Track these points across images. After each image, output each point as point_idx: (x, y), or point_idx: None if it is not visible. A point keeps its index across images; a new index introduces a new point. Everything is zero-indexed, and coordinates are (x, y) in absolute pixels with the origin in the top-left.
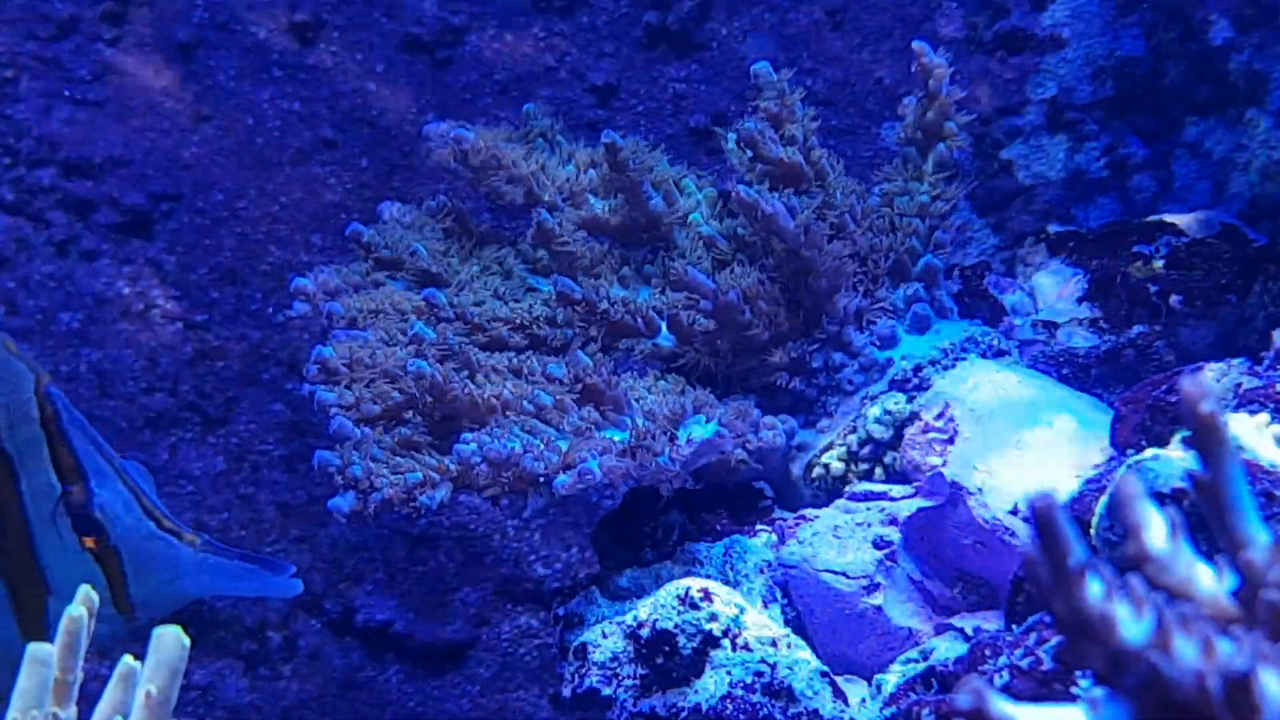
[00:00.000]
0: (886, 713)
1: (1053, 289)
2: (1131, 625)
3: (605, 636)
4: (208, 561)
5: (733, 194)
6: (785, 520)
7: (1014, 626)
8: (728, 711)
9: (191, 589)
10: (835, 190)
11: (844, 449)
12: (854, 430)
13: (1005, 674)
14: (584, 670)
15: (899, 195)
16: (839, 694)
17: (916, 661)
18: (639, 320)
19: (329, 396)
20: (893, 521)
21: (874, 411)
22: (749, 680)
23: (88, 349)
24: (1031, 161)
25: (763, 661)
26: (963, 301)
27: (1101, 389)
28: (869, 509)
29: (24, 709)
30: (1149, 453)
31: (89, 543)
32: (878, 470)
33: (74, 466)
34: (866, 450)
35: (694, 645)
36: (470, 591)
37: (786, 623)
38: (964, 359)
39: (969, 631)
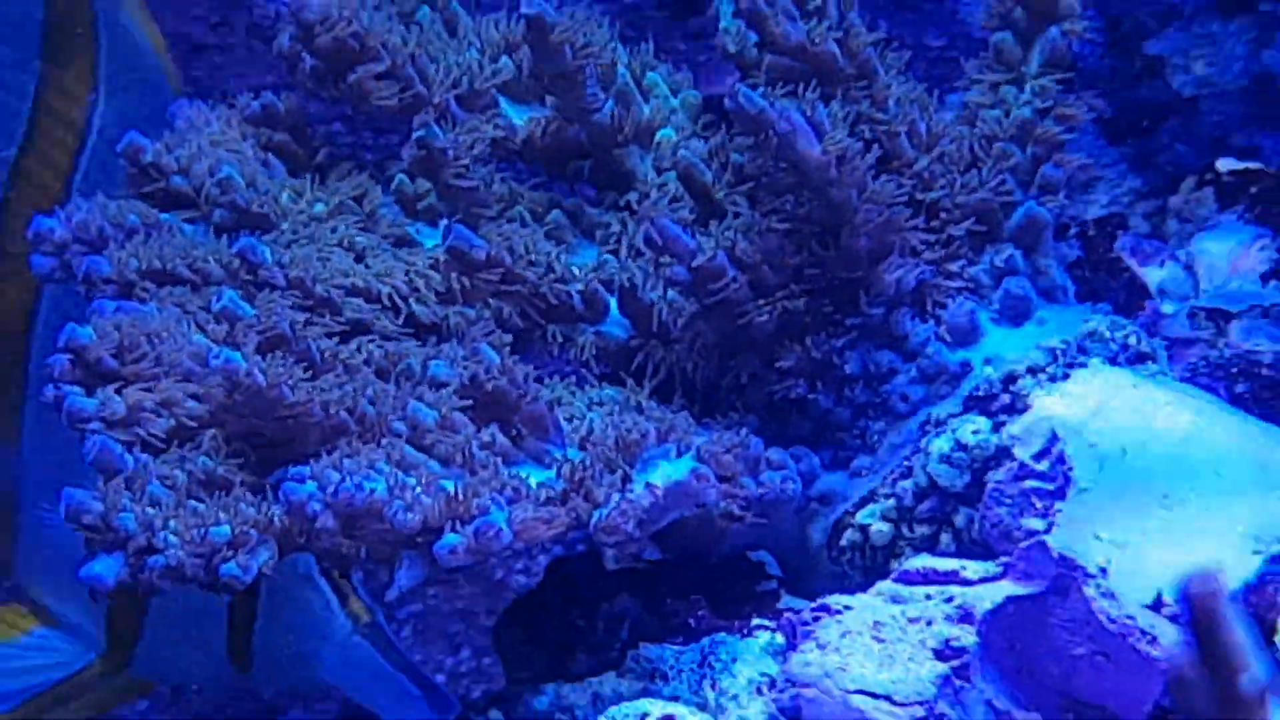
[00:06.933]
0: None
1: (1224, 260)
2: None
3: None
4: (360, 651)
5: (726, 100)
6: (798, 613)
7: None
8: None
9: (328, 674)
10: (887, 98)
11: (892, 503)
12: (908, 474)
13: None
14: None
15: (987, 108)
16: None
17: None
18: (576, 295)
19: (87, 405)
20: (966, 617)
21: (940, 445)
22: None
23: None
24: (1192, 60)
25: None
26: (1083, 276)
27: None
28: (930, 597)
29: None
30: None
31: None
32: (944, 537)
33: None
34: (927, 505)
35: None
36: (302, 716)
37: None
38: (1083, 365)
39: None
